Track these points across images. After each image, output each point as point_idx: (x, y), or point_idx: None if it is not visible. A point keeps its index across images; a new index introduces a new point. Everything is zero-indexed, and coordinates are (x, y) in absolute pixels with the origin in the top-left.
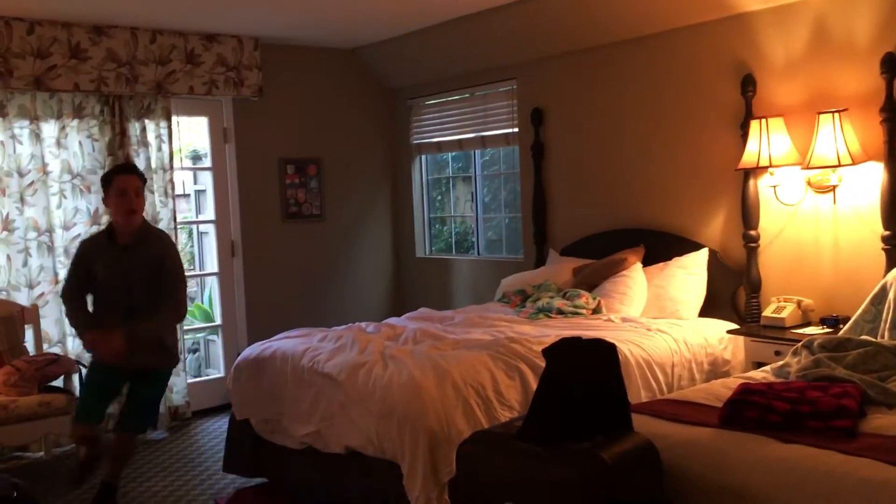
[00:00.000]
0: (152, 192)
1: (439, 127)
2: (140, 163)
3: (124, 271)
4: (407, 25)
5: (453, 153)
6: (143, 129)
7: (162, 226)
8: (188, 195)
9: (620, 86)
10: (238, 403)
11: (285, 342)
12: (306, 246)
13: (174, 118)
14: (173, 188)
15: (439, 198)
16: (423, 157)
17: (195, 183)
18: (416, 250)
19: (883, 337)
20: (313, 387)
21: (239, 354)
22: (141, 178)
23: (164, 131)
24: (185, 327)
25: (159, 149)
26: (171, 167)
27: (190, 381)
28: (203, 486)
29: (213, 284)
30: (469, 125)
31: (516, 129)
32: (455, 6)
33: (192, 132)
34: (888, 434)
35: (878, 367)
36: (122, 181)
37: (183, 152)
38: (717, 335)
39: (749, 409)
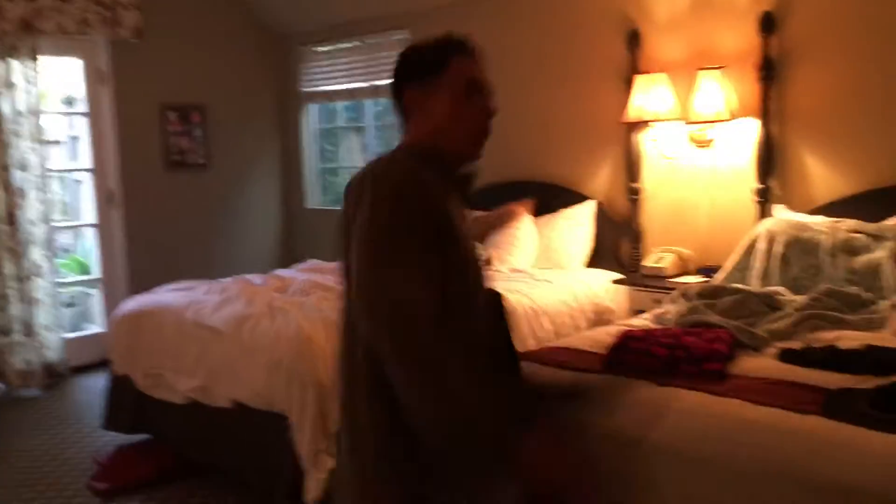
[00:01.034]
0: (19, 137)
1: (330, 75)
2: (5, 106)
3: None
4: None
5: (345, 102)
6: (9, 69)
7: (31, 174)
8: (61, 142)
9: (510, 38)
10: (118, 358)
11: (168, 295)
12: (190, 196)
13: (43, 58)
14: (43, 133)
15: (331, 148)
16: (314, 105)
17: (71, 128)
18: (307, 201)
19: (751, 285)
20: (198, 340)
21: (119, 308)
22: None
23: (31, 72)
24: (59, 280)
25: (27, 91)
26: (40, 111)
27: (66, 336)
28: (81, 445)
29: (89, 235)
30: (361, 74)
31: None
32: None
33: (66, 74)
34: (754, 376)
35: (748, 314)
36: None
37: (55, 96)
38: (602, 285)
39: (629, 355)
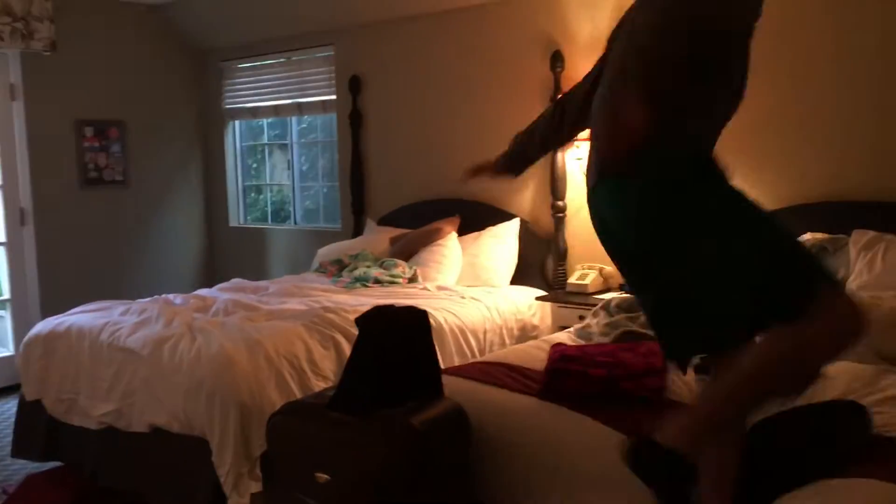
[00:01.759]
0: None
1: (254, 92)
2: None
3: None
4: None
5: (269, 119)
6: None
7: None
8: None
9: (436, 56)
10: (29, 383)
11: (82, 316)
12: (108, 214)
13: None
14: None
15: (255, 165)
16: (237, 122)
17: None
18: (230, 219)
19: None
20: (113, 363)
21: (30, 330)
22: None
23: None
24: None
25: None
26: None
27: None
28: None
29: None
30: (285, 91)
31: (334, 97)
32: None
33: None
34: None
35: None
36: None
37: None
38: (527, 302)
39: (569, 380)
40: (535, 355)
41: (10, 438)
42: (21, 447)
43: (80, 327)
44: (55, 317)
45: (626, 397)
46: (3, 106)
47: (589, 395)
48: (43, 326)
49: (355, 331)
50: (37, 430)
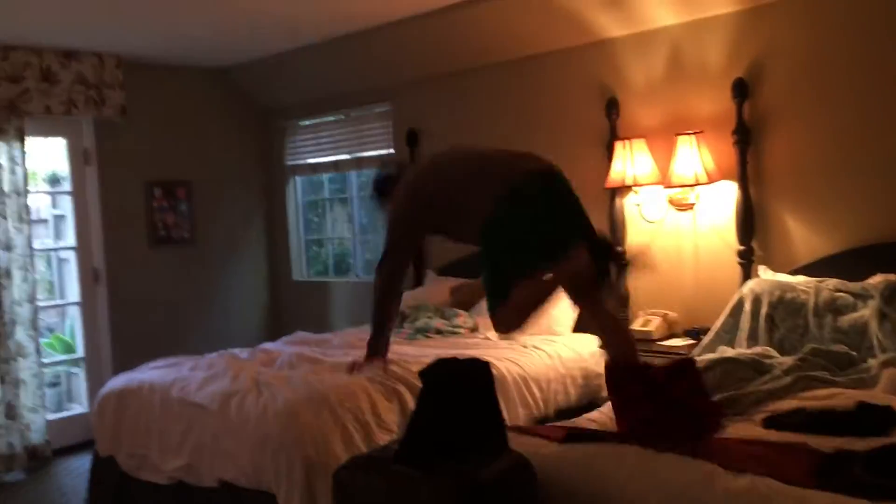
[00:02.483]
0: (5, 218)
1: (314, 148)
2: None
3: None
4: (278, 46)
5: (329, 174)
6: None
7: (17, 253)
8: (46, 221)
9: (492, 108)
10: (102, 439)
11: (153, 372)
12: (176, 271)
13: (29, 139)
14: (29, 213)
15: (316, 220)
16: (299, 178)
17: (54, 207)
18: (293, 273)
19: (741, 346)
20: (183, 418)
21: (104, 387)
22: None
23: (17, 153)
24: (44, 360)
25: (13, 171)
26: (27, 191)
27: (50, 417)
28: None
29: (74, 314)
30: (345, 146)
31: (392, 151)
32: (327, 27)
33: (50, 154)
34: (740, 438)
35: (736, 381)
36: None
37: (40, 175)
38: (590, 349)
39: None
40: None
41: (84, 494)
42: (95, 502)
43: (151, 383)
44: (126, 373)
45: (669, 437)
46: (78, 170)
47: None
48: (115, 383)
49: (418, 383)
50: (109, 485)
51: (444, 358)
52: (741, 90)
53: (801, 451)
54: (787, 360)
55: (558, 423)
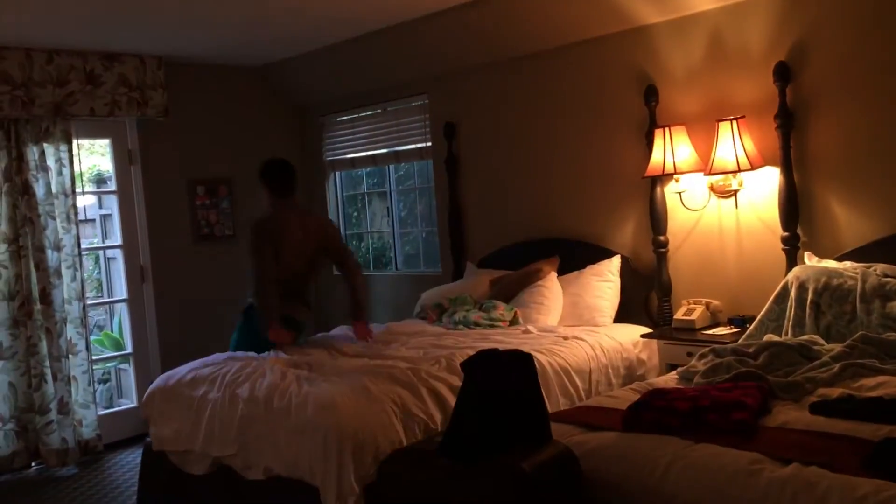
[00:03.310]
0: (54, 219)
1: (352, 143)
2: (40, 189)
3: (301, 249)
4: (316, 42)
5: (367, 169)
6: (42, 154)
7: (65, 253)
8: (93, 220)
9: (530, 98)
10: (153, 434)
11: (200, 369)
12: (220, 268)
13: (75, 141)
14: (76, 213)
15: (355, 214)
16: (338, 173)
17: (100, 207)
18: (334, 268)
19: (787, 334)
20: (231, 412)
21: (152, 382)
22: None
23: (64, 155)
24: (94, 357)
25: (60, 173)
26: (74, 192)
27: (101, 412)
28: None
29: (122, 311)
30: (382, 140)
31: (430, 144)
32: (363, 22)
33: (95, 155)
34: (789, 428)
35: (784, 366)
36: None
37: (86, 176)
38: (632, 339)
39: (648, 412)
40: (632, 399)
41: (136, 487)
42: (146, 496)
43: (200, 378)
44: (174, 369)
45: (710, 429)
46: (123, 170)
47: (669, 426)
48: (163, 379)
49: (458, 375)
50: (160, 478)
51: (486, 350)
52: (783, 74)
53: (850, 439)
54: (836, 347)
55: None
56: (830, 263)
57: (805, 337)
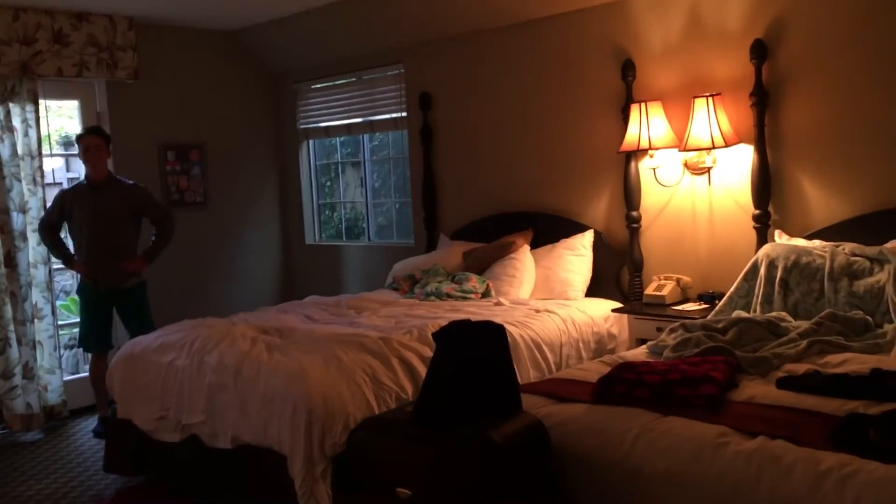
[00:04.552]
0: (20, 181)
1: (327, 111)
2: (5, 150)
3: (97, 209)
4: (290, 7)
5: (342, 138)
6: (8, 114)
7: (31, 216)
8: (60, 183)
9: (507, 70)
10: (120, 401)
11: (168, 335)
12: (190, 234)
13: (42, 102)
14: (43, 176)
15: (328, 183)
16: (311, 141)
17: (68, 171)
18: (306, 237)
19: (756, 311)
20: (199, 380)
21: (119, 349)
22: (103, 137)
23: (30, 115)
24: (60, 322)
25: (26, 134)
26: (41, 154)
27: (67, 378)
28: (82, 488)
29: None
30: (357, 109)
31: (405, 114)
32: None
33: (62, 117)
34: (758, 402)
35: (752, 342)
36: (86, 140)
37: (53, 138)
38: (603, 314)
39: (618, 385)
40: (602, 372)
41: (102, 454)
42: (112, 462)
43: (167, 345)
44: (142, 336)
45: (678, 402)
46: None
47: (638, 399)
48: (131, 345)
49: (430, 345)
50: (126, 445)
51: (459, 320)
52: (760, 52)
53: (815, 414)
54: (803, 324)
55: (558, 377)
56: (800, 242)
57: (773, 314)
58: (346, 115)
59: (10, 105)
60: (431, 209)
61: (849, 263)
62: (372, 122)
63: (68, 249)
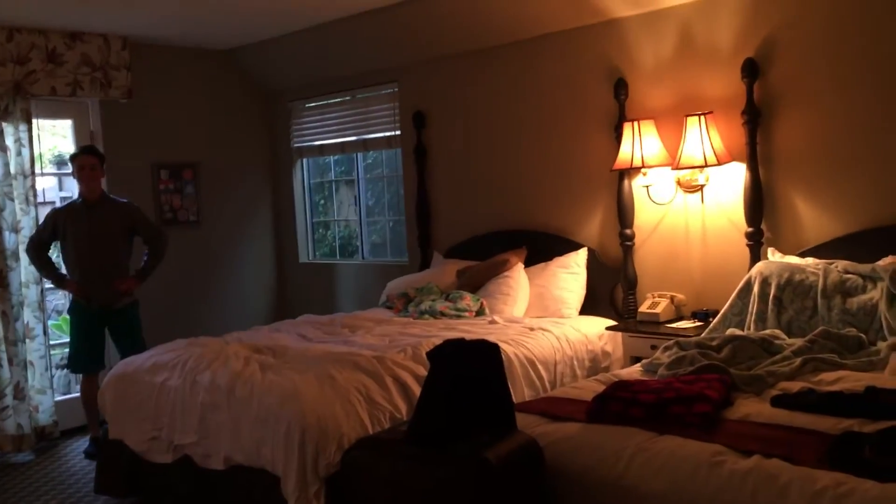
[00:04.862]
0: (12, 200)
1: (321, 130)
2: None
3: (91, 227)
4: (284, 26)
5: (335, 156)
6: (1, 133)
7: (24, 235)
8: (52, 202)
9: (500, 89)
10: (111, 421)
11: (160, 355)
12: (183, 254)
13: (35, 121)
14: (35, 195)
15: (322, 202)
16: (305, 160)
17: (60, 189)
18: (300, 255)
19: (749, 328)
20: (191, 400)
21: (111, 368)
22: (97, 156)
23: (23, 135)
24: (52, 342)
25: (19, 153)
26: (33, 173)
27: (58, 398)
28: None
29: None
30: (351, 128)
31: (398, 132)
32: (332, 8)
33: (56, 136)
34: (751, 421)
35: (746, 359)
36: (80, 159)
37: (46, 157)
38: (597, 332)
39: (613, 404)
40: (597, 390)
41: (93, 475)
42: (103, 483)
43: (159, 365)
44: (134, 356)
45: (673, 421)
46: None
47: (633, 417)
48: (123, 365)
49: (424, 364)
50: (118, 466)
51: (453, 339)
52: (751, 70)
53: (810, 432)
54: (797, 342)
55: (551, 395)
56: (793, 259)
57: (767, 331)
58: (340, 133)
59: (3, 124)
60: (425, 227)
61: (842, 281)
62: (366, 140)
63: (58, 269)
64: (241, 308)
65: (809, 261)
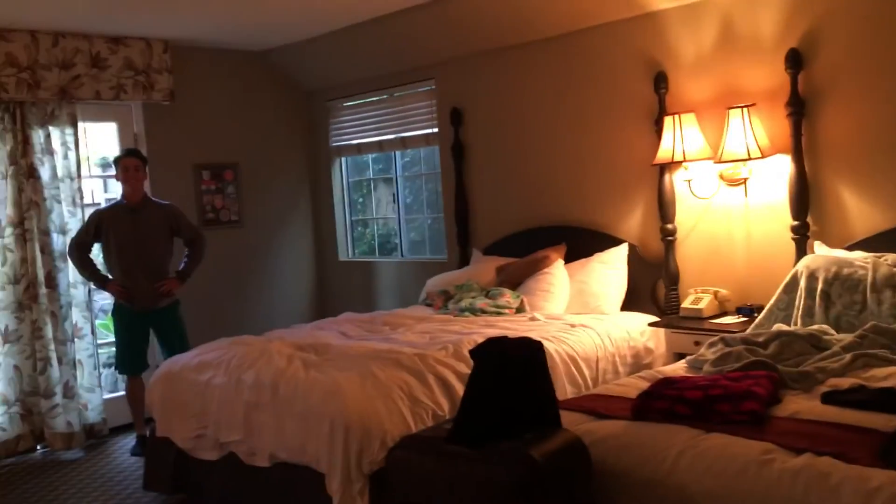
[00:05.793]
0: (59, 203)
1: (359, 129)
2: (45, 172)
3: (135, 229)
4: (321, 26)
5: (373, 155)
6: (48, 137)
7: (71, 237)
8: (98, 204)
9: (538, 84)
10: (159, 419)
11: (206, 354)
12: (225, 253)
13: (81, 124)
14: (82, 197)
15: (361, 200)
16: (343, 159)
17: (105, 191)
18: (339, 254)
19: (796, 324)
20: (236, 398)
21: (157, 367)
22: (141, 158)
23: (70, 138)
24: (100, 341)
25: (65, 156)
26: (80, 175)
27: (106, 396)
28: None
29: None
30: (389, 126)
31: (436, 130)
32: (369, 6)
33: (101, 139)
34: (800, 418)
35: (794, 355)
36: (125, 161)
37: (92, 160)
38: (639, 328)
39: (658, 401)
40: (641, 388)
41: (142, 472)
42: (152, 480)
43: (205, 363)
44: (180, 355)
45: (720, 419)
46: None
47: (678, 415)
48: (170, 364)
49: (466, 362)
50: (166, 463)
51: (495, 337)
52: (795, 61)
53: (862, 429)
54: (846, 337)
55: (595, 393)
56: (840, 253)
57: (815, 327)
58: (377, 132)
59: (51, 128)
60: (464, 224)
61: (892, 274)
62: (404, 138)
63: (100, 270)
64: (282, 306)
65: (857, 254)
